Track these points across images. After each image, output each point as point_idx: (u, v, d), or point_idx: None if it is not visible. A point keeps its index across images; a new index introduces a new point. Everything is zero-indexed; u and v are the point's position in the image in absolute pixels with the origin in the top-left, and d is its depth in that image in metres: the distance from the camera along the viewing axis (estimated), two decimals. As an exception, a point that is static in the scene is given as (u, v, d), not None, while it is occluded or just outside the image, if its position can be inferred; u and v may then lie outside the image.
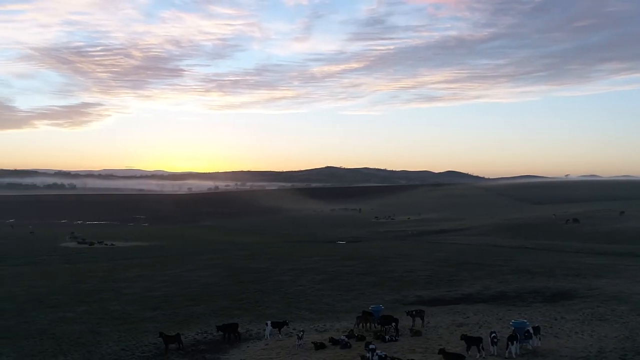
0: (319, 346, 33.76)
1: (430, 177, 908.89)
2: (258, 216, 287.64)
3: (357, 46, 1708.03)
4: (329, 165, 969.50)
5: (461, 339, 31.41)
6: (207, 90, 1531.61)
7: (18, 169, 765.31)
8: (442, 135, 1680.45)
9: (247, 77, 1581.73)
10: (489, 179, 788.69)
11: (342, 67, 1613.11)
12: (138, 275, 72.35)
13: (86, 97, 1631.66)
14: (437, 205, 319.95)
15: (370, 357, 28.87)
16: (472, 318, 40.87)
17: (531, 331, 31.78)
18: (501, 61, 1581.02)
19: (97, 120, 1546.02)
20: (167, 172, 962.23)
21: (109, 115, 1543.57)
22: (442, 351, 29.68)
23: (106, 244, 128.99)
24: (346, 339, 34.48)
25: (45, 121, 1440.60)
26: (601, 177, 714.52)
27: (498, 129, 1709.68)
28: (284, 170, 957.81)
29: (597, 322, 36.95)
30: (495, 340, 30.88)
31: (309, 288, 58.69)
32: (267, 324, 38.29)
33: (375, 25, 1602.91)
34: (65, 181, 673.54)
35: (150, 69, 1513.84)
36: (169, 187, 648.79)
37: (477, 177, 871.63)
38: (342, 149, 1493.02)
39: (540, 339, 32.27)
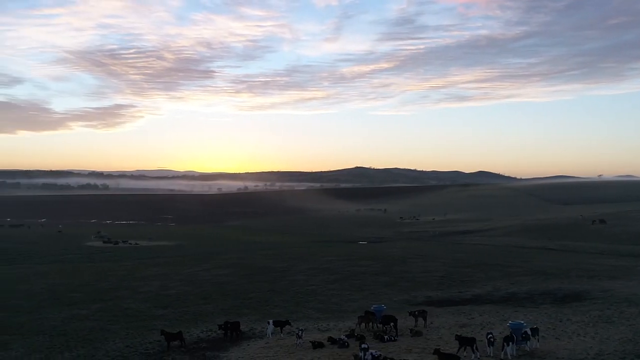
0: (317, 345, 33.95)
1: (461, 177, 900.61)
2: (285, 216, 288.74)
3: (387, 46, 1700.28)
4: (358, 165, 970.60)
5: (455, 339, 31.27)
6: (238, 92, 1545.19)
7: (53, 169, 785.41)
8: (473, 135, 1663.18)
9: (277, 78, 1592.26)
10: (520, 180, 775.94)
11: (372, 67, 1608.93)
12: (156, 274, 73.55)
13: (119, 99, 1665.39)
14: (464, 205, 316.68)
15: (362, 357, 28.97)
16: (477, 319, 40.57)
17: (529, 332, 31.46)
18: (533, 60, 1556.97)
19: (130, 122, 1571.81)
20: (197, 172, 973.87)
21: (141, 116, 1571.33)
22: (437, 351, 29.57)
23: (130, 244, 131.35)
24: (345, 339, 34.59)
25: (80, 123, 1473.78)
26: (637, 177, 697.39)
27: (530, 129, 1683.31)
28: (314, 171, 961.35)
29: (602, 324, 36.32)
30: (492, 340, 30.67)
31: (320, 287, 58.98)
32: (268, 322, 38.67)
33: (405, 25, 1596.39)
34: (99, 182, 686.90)
35: (182, 70, 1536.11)
36: (198, 187, 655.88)
37: (508, 178, 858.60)
38: (371, 149, 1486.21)
39: (539, 341, 31.92)
